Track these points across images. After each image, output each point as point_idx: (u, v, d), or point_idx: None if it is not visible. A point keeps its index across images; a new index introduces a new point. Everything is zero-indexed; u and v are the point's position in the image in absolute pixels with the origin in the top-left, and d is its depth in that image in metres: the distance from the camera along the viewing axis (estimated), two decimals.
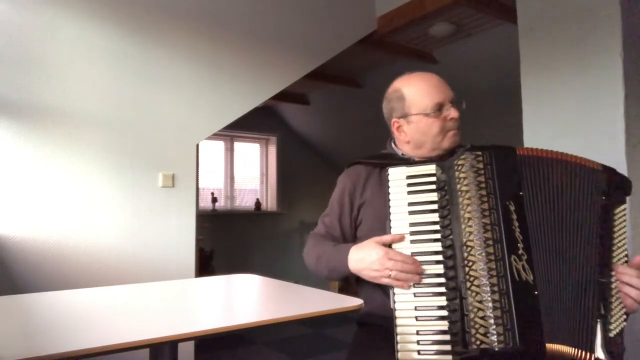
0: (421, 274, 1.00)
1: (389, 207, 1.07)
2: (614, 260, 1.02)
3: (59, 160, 2.08)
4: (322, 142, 5.72)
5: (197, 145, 2.48)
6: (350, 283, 1.27)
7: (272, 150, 5.71)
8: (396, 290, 1.01)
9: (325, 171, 5.93)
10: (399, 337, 0.98)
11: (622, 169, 1.84)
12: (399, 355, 0.97)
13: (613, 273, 1.01)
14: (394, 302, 1.01)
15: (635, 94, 1.88)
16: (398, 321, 0.99)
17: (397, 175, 1.08)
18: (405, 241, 1.04)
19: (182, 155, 2.40)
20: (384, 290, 1.15)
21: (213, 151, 5.30)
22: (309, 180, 5.82)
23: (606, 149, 1.88)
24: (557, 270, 0.99)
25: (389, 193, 1.07)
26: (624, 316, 1.00)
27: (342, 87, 4.39)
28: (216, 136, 5.15)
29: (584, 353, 0.95)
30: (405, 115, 1.22)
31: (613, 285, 1.00)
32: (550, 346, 0.94)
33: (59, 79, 2.09)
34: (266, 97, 2.68)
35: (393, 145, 1.31)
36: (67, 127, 2.10)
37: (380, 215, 1.13)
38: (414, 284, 1.00)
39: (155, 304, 0.98)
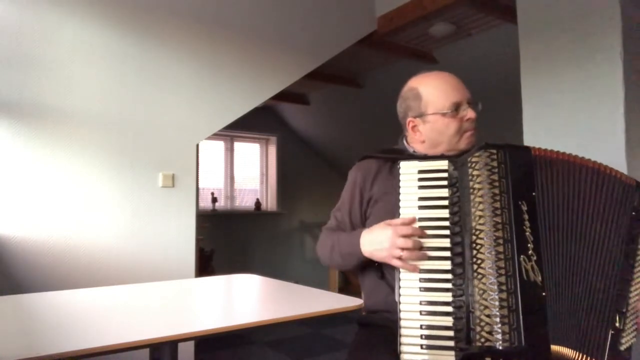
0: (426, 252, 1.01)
1: (399, 200, 1.06)
2: (635, 276, 1.01)
3: (59, 160, 2.08)
4: (322, 142, 5.72)
5: (197, 145, 2.48)
6: (350, 282, 1.27)
7: (272, 150, 5.71)
8: (402, 283, 1.01)
9: (325, 171, 5.93)
10: (402, 331, 0.98)
11: (622, 169, 1.84)
12: (402, 348, 0.97)
13: (633, 289, 1.00)
14: (399, 295, 1.00)
15: (635, 94, 1.88)
16: (402, 314, 0.99)
17: (408, 170, 1.07)
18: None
19: (182, 155, 2.40)
20: (388, 283, 1.15)
21: (213, 151, 5.30)
22: (309, 180, 5.82)
23: (606, 149, 1.88)
24: (568, 273, 0.98)
25: (399, 187, 1.06)
26: (635, 332, 1.00)
27: (342, 87, 4.38)
28: (216, 136, 5.15)
29: (589, 359, 0.95)
30: (421, 115, 1.21)
31: (631, 301, 1.00)
32: (555, 348, 0.94)
33: (59, 79, 2.09)
34: (266, 97, 2.68)
35: (405, 143, 1.30)
36: (67, 127, 2.10)
37: (391, 210, 1.13)
38: (420, 279, 1.00)
39: (155, 304, 0.98)
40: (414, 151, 1.26)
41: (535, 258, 0.95)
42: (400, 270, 1.02)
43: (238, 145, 5.53)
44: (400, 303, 0.99)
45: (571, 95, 2.01)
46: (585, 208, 1.01)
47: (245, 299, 1.11)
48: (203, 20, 2.47)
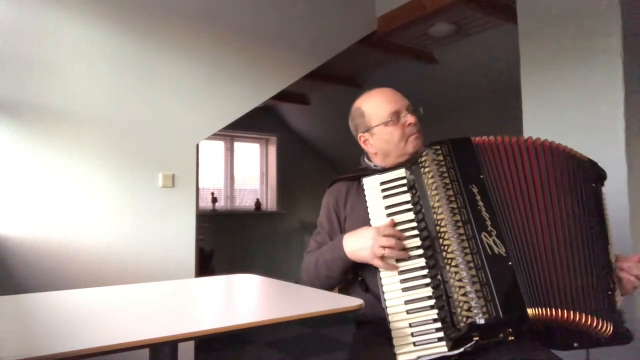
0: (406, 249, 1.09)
1: (368, 214, 1.15)
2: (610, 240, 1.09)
3: (59, 160, 2.08)
4: (322, 142, 5.72)
5: (197, 145, 2.48)
6: (349, 284, 1.28)
7: (272, 150, 5.71)
8: (385, 288, 1.07)
9: (325, 171, 5.93)
10: (393, 333, 1.03)
11: (622, 168, 1.84)
12: (396, 349, 1.02)
13: (612, 256, 1.07)
14: (384, 300, 1.06)
15: (635, 94, 1.88)
16: (390, 317, 1.04)
17: (371, 184, 1.17)
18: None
19: (182, 155, 2.40)
20: (373, 294, 1.19)
21: (213, 151, 5.30)
22: (309, 180, 5.82)
23: (606, 148, 1.88)
24: (532, 241, 1.04)
25: (366, 201, 1.16)
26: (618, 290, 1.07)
27: (342, 87, 4.39)
28: (216, 136, 5.15)
29: (573, 314, 0.98)
30: (368, 129, 1.32)
31: (614, 266, 1.07)
32: (535, 311, 0.97)
33: (59, 79, 2.09)
34: (266, 97, 2.68)
35: (366, 160, 1.40)
36: (67, 127, 2.10)
37: (363, 224, 1.19)
38: (400, 280, 1.07)
39: (155, 304, 0.98)
40: (374, 166, 1.35)
41: (495, 232, 1.03)
42: (382, 276, 1.09)
43: (238, 145, 5.53)
44: (387, 307, 1.05)
45: (571, 94, 2.02)
46: (537, 181, 1.09)
47: (245, 299, 1.11)
48: (203, 20, 2.47)
